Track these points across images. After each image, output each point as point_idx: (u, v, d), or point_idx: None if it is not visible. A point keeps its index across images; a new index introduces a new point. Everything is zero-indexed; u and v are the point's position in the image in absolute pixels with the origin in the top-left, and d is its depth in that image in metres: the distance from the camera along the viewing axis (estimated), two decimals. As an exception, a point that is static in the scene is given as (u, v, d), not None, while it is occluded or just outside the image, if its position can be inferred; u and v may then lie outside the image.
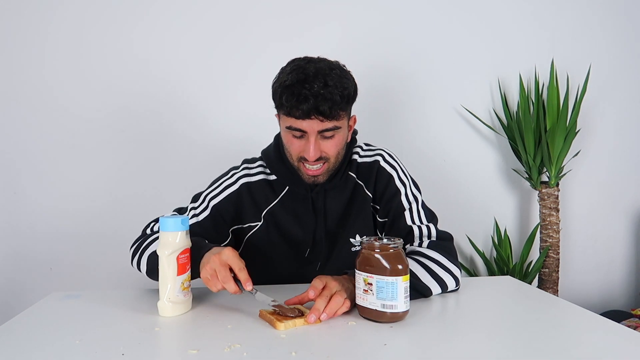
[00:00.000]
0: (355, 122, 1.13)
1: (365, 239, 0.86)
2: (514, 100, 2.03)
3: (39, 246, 1.82)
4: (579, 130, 1.93)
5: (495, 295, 1.04)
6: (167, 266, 0.87)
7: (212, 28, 1.86)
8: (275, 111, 1.08)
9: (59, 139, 1.82)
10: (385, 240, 0.84)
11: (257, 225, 1.14)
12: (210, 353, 0.70)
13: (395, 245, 0.83)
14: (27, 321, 0.87)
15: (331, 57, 1.06)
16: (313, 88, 0.95)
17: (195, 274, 0.93)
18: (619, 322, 1.03)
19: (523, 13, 2.02)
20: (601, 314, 1.48)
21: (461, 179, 2.01)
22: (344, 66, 1.05)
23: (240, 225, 1.15)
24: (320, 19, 1.90)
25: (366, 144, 1.21)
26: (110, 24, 1.83)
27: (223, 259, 0.87)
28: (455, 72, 1.99)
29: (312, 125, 0.98)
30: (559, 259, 1.90)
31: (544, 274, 1.90)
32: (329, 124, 0.99)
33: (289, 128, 1.01)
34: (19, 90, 1.80)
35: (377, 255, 0.82)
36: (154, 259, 0.95)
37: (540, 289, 1.73)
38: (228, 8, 1.86)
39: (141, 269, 1.05)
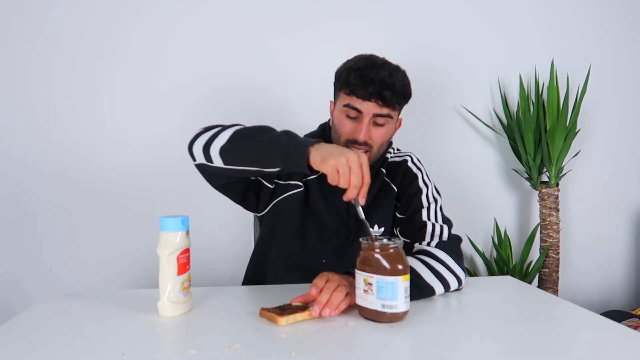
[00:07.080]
0: (400, 125, 1.19)
1: (364, 239, 0.86)
2: (514, 100, 2.03)
3: (39, 246, 1.82)
4: (579, 130, 1.93)
5: (495, 295, 1.04)
6: (167, 266, 0.87)
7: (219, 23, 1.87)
8: (328, 99, 1.13)
9: (59, 138, 1.82)
10: (385, 240, 0.84)
11: (297, 190, 1.14)
12: (210, 353, 0.70)
13: (395, 245, 0.83)
14: (27, 321, 0.87)
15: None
16: (379, 74, 1.03)
17: (296, 159, 0.87)
18: (619, 322, 1.03)
19: (523, 13, 2.02)
20: (601, 314, 1.48)
21: (461, 179, 2.01)
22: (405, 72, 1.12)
23: (279, 182, 1.14)
24: (319, 19, 1.90)
25: (398, 149, 1.30)
26: (116, 20, 1.83)
27: (362, 161, 0.85)
28: (455, 72, 1.99)
29: (369, 108, 1.05)
30: (559, 259, 1.90)
31: (544, 274, 1.90)
32: (384, 110, 1.06)
33: (347, 106, 1.06)
34: (19, 89, 1.80)
35: (377, 255, 0.82)
36: (242, 132, 0.96)
37: (540, 289, 1.73)
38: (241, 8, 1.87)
39: (221, 149, 0.96)
